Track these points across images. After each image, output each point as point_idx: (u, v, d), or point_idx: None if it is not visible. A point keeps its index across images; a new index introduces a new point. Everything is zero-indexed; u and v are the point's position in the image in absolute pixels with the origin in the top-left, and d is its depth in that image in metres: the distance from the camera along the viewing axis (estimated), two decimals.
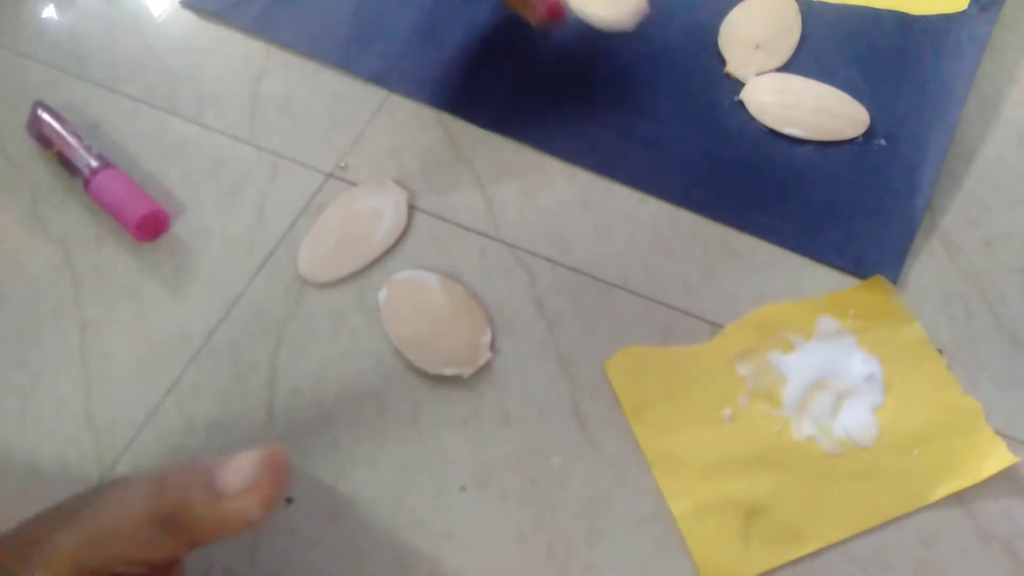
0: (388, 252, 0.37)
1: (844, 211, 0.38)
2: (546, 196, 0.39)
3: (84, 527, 0.23)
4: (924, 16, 0.44)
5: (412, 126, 0.41)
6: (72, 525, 0.23)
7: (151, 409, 0.34)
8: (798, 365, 0.34)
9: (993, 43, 0.43)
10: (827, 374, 0.34)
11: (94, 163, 0.38)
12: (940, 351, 0.35)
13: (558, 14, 0.40)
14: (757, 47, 0.42)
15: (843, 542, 0.31)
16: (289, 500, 0.32)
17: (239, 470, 0.22)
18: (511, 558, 0.31)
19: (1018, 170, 0.39)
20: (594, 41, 0.44)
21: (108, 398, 0.35)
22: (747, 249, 0.37)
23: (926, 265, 0.37)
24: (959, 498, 0.31)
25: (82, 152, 0.39)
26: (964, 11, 0.43)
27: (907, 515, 0.31)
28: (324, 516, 0.32)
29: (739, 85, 0.42)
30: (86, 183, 0.38)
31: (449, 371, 0.34)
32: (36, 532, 0.23)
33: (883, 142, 0.40)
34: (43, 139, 0.40)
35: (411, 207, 0.39)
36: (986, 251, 0.37)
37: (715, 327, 0.35)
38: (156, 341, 0.36)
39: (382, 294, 0.36)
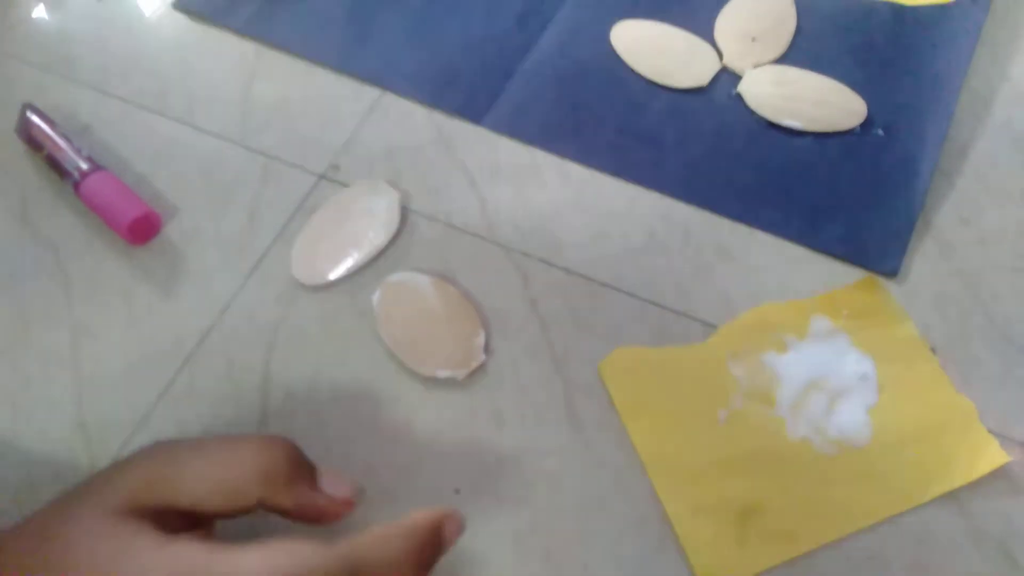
0: (381, 254, 0.37)
1: (845, 201, 0.38)
2: (539, 196, 0.39)
3: (157, 469, 0.24)
4: (917, 6, 0.44)
5: (404, 127, 0.41)
6: (128, 470, 0.24)
7: (143, 413, 0.34)
8: (792, 365, 0.34)
9: (985, 39, 0.43)
10: (821, 374, 0.34)
11: (84, 166, 0.38)
12: (933, 350, 0.35)
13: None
14: (753, 39, 0.42)
15: (837, 542, 0.31)
16: None
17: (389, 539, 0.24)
18: (506, 561, 0.31)
19: (1011, 168, 0.39)
20: (588, 39, 0.44)
21: (100, 402, 0.34)
22: (741, 249, 0.37)
23: (919, 264, 0.37)
24: (953, 497, 0.31)
25: (72, 155, 0.38)
26: (957, 2, 0.44)
27: (901, 514, 0.31)
28: None
29: (736, 78, 0.42)
30: (76, 186, 0.38)
31: (443, 374, 0.34)
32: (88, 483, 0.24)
33: (881, 132, 0.40)
34: (32, 142, 0.40)
35: (404, 208, 0.38)
36: (979, 249, 0.37)
37: (709, 327, 0.35)
38: (148, 345, 0.36)
39: (375, 296, 0.36)
